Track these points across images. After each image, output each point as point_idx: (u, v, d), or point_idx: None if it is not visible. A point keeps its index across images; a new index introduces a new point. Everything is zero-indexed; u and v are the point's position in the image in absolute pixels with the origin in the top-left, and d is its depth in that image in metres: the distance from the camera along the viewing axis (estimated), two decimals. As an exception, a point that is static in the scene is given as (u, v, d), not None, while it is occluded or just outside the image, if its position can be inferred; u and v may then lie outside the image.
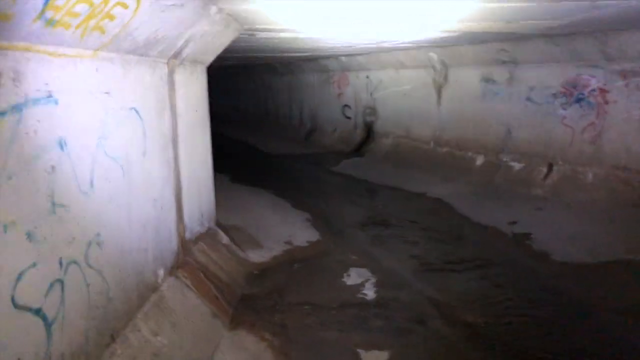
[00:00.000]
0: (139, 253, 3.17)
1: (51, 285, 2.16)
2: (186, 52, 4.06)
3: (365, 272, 5.08)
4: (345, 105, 13.36)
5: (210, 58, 4.96)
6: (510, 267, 5.28)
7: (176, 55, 3.93)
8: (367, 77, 12.29)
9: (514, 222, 6.71)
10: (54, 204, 2.20)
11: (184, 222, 4.15)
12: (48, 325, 2.11)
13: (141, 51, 3.19)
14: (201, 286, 3.87)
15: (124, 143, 2.99)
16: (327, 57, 12.58)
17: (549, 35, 6.93)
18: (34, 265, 2.02)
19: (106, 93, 2.77)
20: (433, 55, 9.73)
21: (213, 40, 4.49)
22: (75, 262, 2.37)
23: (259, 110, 19.09)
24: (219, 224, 5.82)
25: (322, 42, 7.73)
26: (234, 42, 7.05)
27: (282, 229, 6.51)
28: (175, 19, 3.29)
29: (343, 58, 12.30)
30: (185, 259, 4.05)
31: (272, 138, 15.87)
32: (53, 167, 2.20)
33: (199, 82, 4.71)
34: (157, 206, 3.55)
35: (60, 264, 2.24)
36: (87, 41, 2.42)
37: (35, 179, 2.07)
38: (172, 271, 3.75)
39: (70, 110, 2.36)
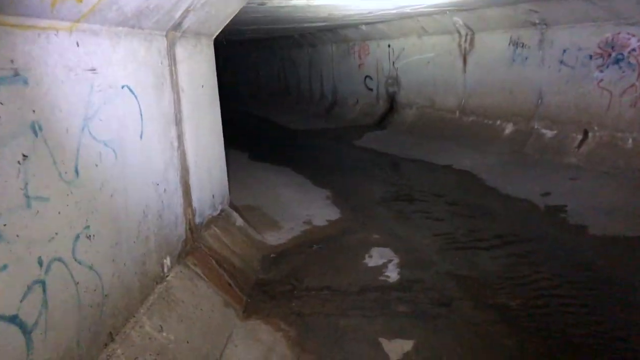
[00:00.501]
0: (139, 243, 2.94)
1: (29, 287, 1.93)
2: (187, 23, 3.76)
3: (387, 252, 4.79)
4: (367, 77, 12.92)
5: (216, 30, 4.65)
6: (544, 242, 4.92)
7: (176, 27, 3.63)
8: (389, 45, 11.80)
9: (547, 194, 6.30)
10: (28, 197, 1.96)
11: (192, 205, 3.92)
12: (27, 332, 1.90)
13: (132, 23, 2.91)
14: (212, 274, 3.65)
15: (115, 124, 2.73)
16: (347, 27, 12.11)
17: (583, -10, 6.39)
18: (4, 267, 1.80)
19: (91, 70, 2.50)
20: (458, 20, 9.20)
21: (217, 10, 4.17)
22: (59, 260, 2.14)
23: (279, 84, 18.72)
24: (233, 206, 5.59)
25: (338, 9, 7.33)
26: (243, 12, 6.72)
27: (301, 208, 6.26)
28: (168, -14, 2.99)
29: (363, 27, 11.82)
30: (195, 245, 3.83)
31: (293, 113, 15.55)
32: (25, 156, 1.95)
33: (204, 56, 4.42)
34: (160, 190, 3.31)
35: (40, 263, 2.01)
36: (60, 11, 2.14)
37: (2, 171, 1.83)
38: (180, 259, 3.53)
39: (44, 90, 2.10)
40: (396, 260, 4.59)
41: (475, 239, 5.10)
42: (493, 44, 8.89)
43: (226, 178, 5.01)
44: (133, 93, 2.98)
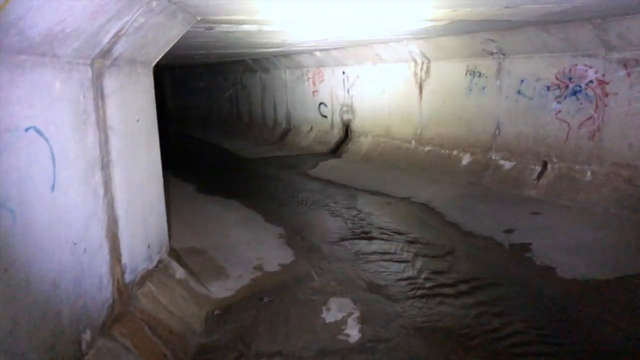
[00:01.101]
0: (46, 322, 2.38)
1: None
2: (118, 49, 3.25)
3: (347, 303, 4.34)
4: (322, 103, 12.61)
5: (155, 56, 4.15)
6: (512, 287, 4.60)
7: (104, 54, 3.12)
8: (344, 72, 11.55)
9: (510, 231, 6.05)
10: None
11: (121, 262, 3.36)
12: None
13: (41, 50, 2.39)
14: (144, 344, 3.09)
15: (14, 177, 2.19)
16: (301, 53, 11.80)
17: (542, 22, 6.27)
18: None
19: (-22, 111, 1.97)
20: (414, 48, 9.02)
21: (155, 34, 3.68)
22: None
23: (231, 110, 18.21)
24: (175, 252, 5.03)
25: (291, 35, 6.96)
26: (191, 37, 6.25)
27: (251, 250, 5.74)
28: (89, 7, 2.49)
29: (318, 53, 11.53)
30: (125, 309, 3.26)
31: (245, 140, 15.05)
32: None
33: (140, 86, 3.90)
34: (78, 251, 2.76)
35: None
36: None
37: None
38: (104, 330, 2.96)
39: None
40: (357, 314, 4.14)
41: (440, 283, 4.73)
42: (449, 72, 8.74)
43: (165, 223, 4.45)
44: (42, 136, 2.44)
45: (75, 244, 2.72)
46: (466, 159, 8.49)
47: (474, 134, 8.37)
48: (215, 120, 19.30)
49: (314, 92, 12.96)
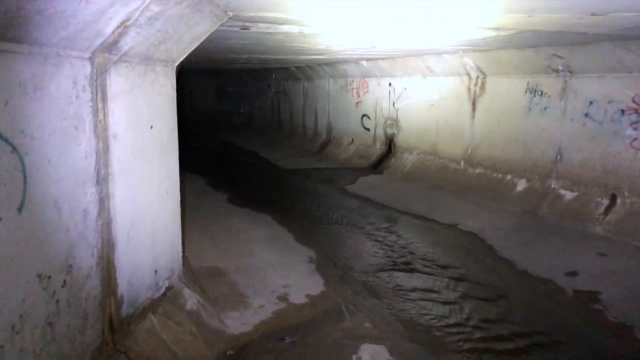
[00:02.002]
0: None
1: None
2: (128, 43, 2.74)
3: (381, 352, 3.69)
4: (365, 115, 11.99)
5: (178, 54, 3.64)
6: (580, 348, 3.85)
7: (109, 47, 2.62)
8: (390, 84, 10.91)
9: (574, 274, 5.26)
10: None
11: (117, 293, 2.83)
12: None
13: (15, 35, 1.88)
14: (132, 399, 2.54)
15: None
16: (346, 61, 11.24)
17: (621, 37, 5.50)
18: None
19: None
20: (468, 61, 8.32)
21: (176, 29, 3.17)
22: None
23: (272, 117, 17.82)
24: (192, 271, 4.51)
25: (334, 40, 6.39)
26: (226, 37, 5.76)
27: (277, 275, 5.16)
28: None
29: (364, 62, 10.94)
30: (116, 351, 2.72)
31: (284, 149, 14.57)
32: None
33: (158, 88, 3.39)
34: (53, 285, 2.23)
35: None
36: None
37: None
38: (82, 381, 2.43)
39: None
40: (393, 369, 3.50)
41: (492, 335, 4.02)
42: (507, 89, 7.98)
43: (180, 245, 3.92)
44: (11, 145, 1.93)
45: (49, 277, 2.20)
46: (521, 185, 7.70)
47: (532, 159, 7.57)
48: (256, 127, 18.96)
49: (357, 103, 12.36)
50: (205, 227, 6.81)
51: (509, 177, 7.94)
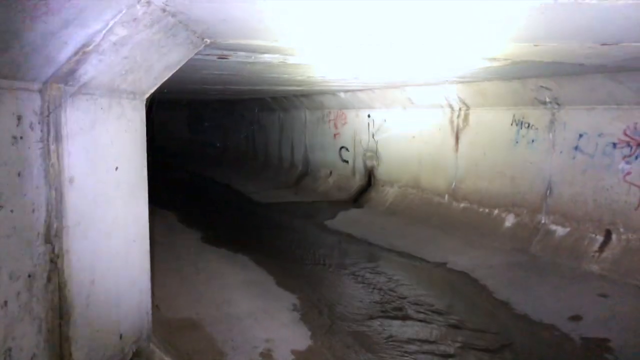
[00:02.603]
0: None
1: None
2: (88, 72, 2.32)
3: (382, 422, 3.24)
4: (343, 147, 11.68)
5: (148, 85, 3.21)
6: (600, 408, 3.47)
7: (65, 77, 2.19)
8: (369, 115, 10.65)
9: (577, 318, 4.91)
10: None
11: (70, 372, 2.32)
12: None
13: None
14: None
15: None
16: (324, 93, 10.97)
17: (614, 70, 5.31)
18: None
19: None
20: (451, 93, 8.10)
21: (146, 56, 2.76)
22: None
23: (247, 148, 17.40)
24: (162, 324, 4.00)
25: (318, 71, 6.06)
26: (200, 67, 5.38)
27: (259, 326, 4.67)
28: (27, 6, 1.56)
29: (342, 94, 10.68)
30: None
31: (259, 182, 14.12)
32: None
33: (125, 123, 2.95)
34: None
35: None
36: None
37: None
38: None
39: None
40: None
41: (502, 396, 3.61)
42: (492, 121, 7.77)
43: (149, 300, 3.42)
44: None
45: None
46: (510, 221, 7.41)
47: (520, 193, 7.31)
48: (229, 158, 18.48)
49: (335, 134, 12.06)
50: (178, 269, 6.28)
51: (496, 211, 7.66)
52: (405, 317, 5.01)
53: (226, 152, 19.23)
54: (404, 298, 5.52)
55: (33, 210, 2.04)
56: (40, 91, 2.08)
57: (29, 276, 2.02)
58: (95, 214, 2.58)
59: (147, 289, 3.36)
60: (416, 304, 5.35)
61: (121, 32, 2.25)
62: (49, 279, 2.16)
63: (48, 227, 2.16)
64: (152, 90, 3.38)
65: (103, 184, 2.67)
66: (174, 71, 3.42)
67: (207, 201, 11.76)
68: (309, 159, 13.29)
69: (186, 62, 3.39)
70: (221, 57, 4.31)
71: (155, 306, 4.92)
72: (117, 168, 2.83)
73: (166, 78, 3.36)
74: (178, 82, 7.19)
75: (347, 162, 11.56)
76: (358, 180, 11.05)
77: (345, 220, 9.21)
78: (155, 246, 7.34)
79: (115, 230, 2.83)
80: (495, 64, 4.83)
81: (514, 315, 5.07)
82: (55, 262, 2.21)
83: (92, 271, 2.55)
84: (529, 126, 7.19)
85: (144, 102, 3.30)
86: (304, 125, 13.43)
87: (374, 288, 5.80)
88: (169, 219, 9.46)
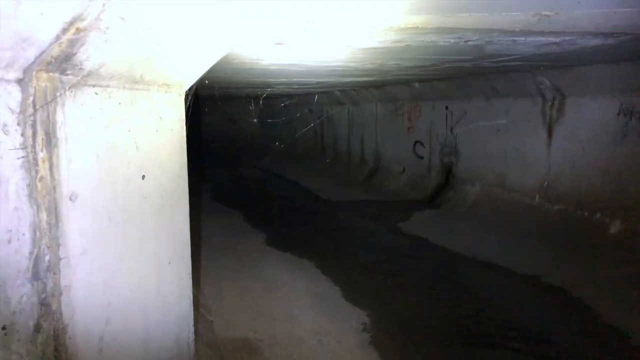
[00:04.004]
0: None
1: None
2: (93, 56, 1.79)
3: None
4: (417, 142, 10.86)
5: (186, 73, 2.67)
6: None
7: (59, 63, 1.67)
8: (447, 107, 9.77)
9: None
10: None
11: None
12: None
13: None
14: None
15: None
16: (396, 83, 10.20)
17: None
18: None
19: None
20: (543, 80, 7.11)
21: (179, 34, 2.20)
22: None
23: (316, 144, 16.91)
24: (215, 344, 3.49)
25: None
26: (259, 63, 4.83)
27: (323, 350, 4.08)
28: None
29: (416, 84, 9.87)
30: None
31: (327, 178, 13.57)
32: None
33: (155, 122, 2.42)
34: None
35: None
36: None
37: None
38: None
39: None
40: None
41: None
42: (593, 112, 6.71)
43: (190, 331, 2.88)
44: None
45: None
46: (615, 227, 6.35)
47: (628, 194, 6.25)
48: (297, 154, 18.08)
49: (409, 128, 11.25)
50: (237, 278, 5.82)
51: (598, 215, 6.61)
52: (496, 345, 4.23)
53: (294, 147, 18.84)
54: (492, 320, 4.72)
55: (9, 241, 1.53)
56: (19, 82, 1.56)
57: (3, 328, 1.51)
58: (110, 235, 2.06)
59: (187, 316, 2.83)
60: (508, 327, 4.54)
61: (133, 4, 1.70)
62: (37, 328, 1.65)
63: (36, 259, 1.65)
64: (193, 81, 2.84)
65: (123, 197, 2.15)
66: (224, 54, 2.86)
67: (275, 199, 11.33)
68: (380, 154, 12.56)
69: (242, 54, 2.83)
70: (278, 44, 3.72)
71: (209, 323, 4.45)
72: (143, 177, 2.30)
73: (213, 63, 2.80)
74: (237, 74, 6.73)
75: (422, 158, 10.73)
76: (434, 178, 10.20)
77: (421, 223, 8.43)
78: (215, 251, 6.97)
79: (141, 253, 2.31)
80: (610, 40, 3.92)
81: (634, 348, 4.15)
82: (48, 304, 1.70)
83: (106, 307, 2.04)
84: (640, 117, 6.11)
85: (183, 96, 2.76)
86: (375, 119, 12.71)
87: (454, 306, 5.04)
88: (234, 219, 9.11)
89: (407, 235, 7.84)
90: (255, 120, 21.54)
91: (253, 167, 16.94)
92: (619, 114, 6.36)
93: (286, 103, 18.50)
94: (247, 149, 20.23)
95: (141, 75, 2.22)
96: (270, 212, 9.80)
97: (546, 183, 7.46)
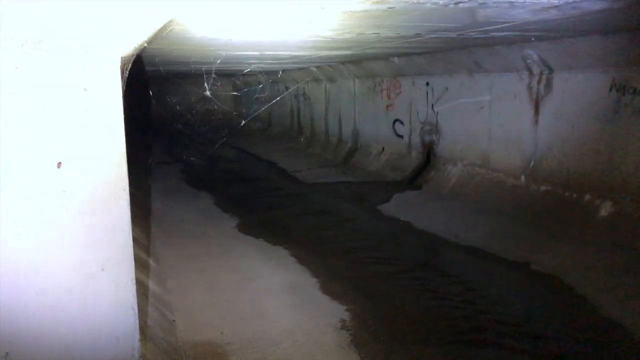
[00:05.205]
0: None
1: None
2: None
3: None
4: (397, 120, 10.41)
5: (121, 37, 2.14)
6: None
7: None
8: (427, 83, 9.32)
9: None
10: None
11: None
12: None
13: None
14: None
15: None
16: (374, 58, 9.70)
17: None
18: None
19: None
20: (531, 53, 6.70)
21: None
22: None
23: (292, 123, 16.37)
24: (176, 350, 3.04)
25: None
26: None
27: (298, 354, 3.66)
28: None
29: (395, 59, 9.39)
30: None
31: (305, 158, 13.08)
32: None
33: (78, 98, 1.90)
34: None
35: None
36: None
37: None
38: None
39: None
40: None
41: None
42: (583, 87, 6.33)
43: (135, 346, 2.40)
44: None
45: None
46: (606, 209, 6.04)
47: (621, 174, 5.92)
48: (274, 133, 17.53)
49: (387, 106, 10.79)
50: (205, 269, 5.36)
51: (587, 197, 6.28)
52: (488, 343, 3.86)
53: (270, 127, 18.29)
54: (482, 313, 4.36)
55: None
56: None
57: None
58: (12, 242, 1.56)
59: (130, 332, 2.35)
60: (499, 321, 4.18)
61: None
62: None
63: None
64: (134, 46, 2.32)
65: (31, 192, 1.65)
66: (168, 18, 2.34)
67: (249, 181, 10.83)
68: (358, 133, 12.10)
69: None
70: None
71: (171, 323, 3.99)
72: (59, 164, 1.79)
73: (156, 29, 2.28)
74: (202, 47, 6.15)
75: (401, 137, 10.30)
76: (415, 158, 9.79)
77: (401, 205, 8.04)
78: (184, 238, 6.47)
79: (59, 260, 1.82)
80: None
81: (635, 344, 3.83)
82: None
83: (8, 337, 1.55)
84: (634, 92, 5.74)
85: (120, 64, 2.23)
86: (353, 97, 12.21)
87: (441, 298, 4.66)
88: (204, 203, 8.60)
89: (387, 219, 7.44)
90: (230, 98, 20.89)
91: (228, 146, 16.31)
92: (610, 90, 5.99)
93: (262, 81, 17.88)
94: (222, 128, 19.56)
95: (54, 34, 1.70)
96: (244, 195, 9.30)
97: (532, 163, 7.11)
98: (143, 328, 3.22)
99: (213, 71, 9.35)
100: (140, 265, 4.64)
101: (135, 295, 2.39)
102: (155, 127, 16.05)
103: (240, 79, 19.60)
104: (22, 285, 1.63)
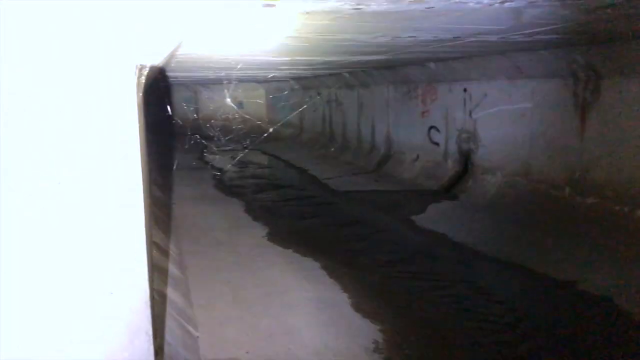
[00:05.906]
0: None
1: None
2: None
3: None
4: (432, 127, 10.09)
5: (143, 48, 1.97)
6: None
7: None
8: (465, 90, 8.98)
9: None
10: None
11: None
12: None
13: None
14: None
15: None
16: (409, 63, 9.42)
17: None
18: None
19: None
20: (577, 58, 6.32)
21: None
22: None
23: (323, 129, 16.18)
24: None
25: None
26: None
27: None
28: None
29: (432, 64, 9.09)
30: None
31: (336, 166, 12.85)
32: None
33: (101, 102, 1.73)
34: None
35: None
36: None
37: None
38: None
39: None
40: None
41: None
42: (637, 93, 5.92)
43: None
44: None
45: None
46: (661, 224, 5.61)
47: (677, 187, 5.49)
48: (305, 140, 17.36)
49: (423, 112, 10.48)
50: (232, 281, 5.18)
51: (639, 212, 5.86)
52: (534, 372, 3.55)
53: (302, 133, 18.14)
54: (527, 339, 4.03)
55: None
56: None
57: None
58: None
59: (144, 355, 2.16)
60: (549, 349, 3.85)
61: None
62: None
63: None
64: (159, 58, 2.14)
65: (27, 213, 1.47)
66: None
67: (280, 188, 10.66)
68: (391, 140, 11.81)
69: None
70: (268, 5, 2.99)
71: (195, 340, 3.81)
72: (59, 183, 1.61)
73: (174, 46, 2.10)
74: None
75: (437, 144, 9.97)
76: (451, 167, 9.45)
77: (437, 216, 7.71)
78: (212, 246, 6.32)
79: (57, 284, 1.64)
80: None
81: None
82: None
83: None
84: (693, 98, 5.32)
85: (136, 73, 2.05)
86: (387, 103, 11.93)
87: (481, 320, 4.35)
88: (234, 210, 8.46)
89: (422, 230, 7.13)
90: (264, 104, 20.89)
91: (260, 152, 16.23)
92: (667, 96, 5.57)
93: (294, 87, 17.79)
94: (255, 134, 19.55)
95: (64, 37, 1.52)
96: (275, 202, 9.13)
97: (578, 173, 6.69)
98: (162, 348, 3.04)
99: (234, 78, 9.22)
100: (165, 275, 4.50)
101: (150, 319, 2.20)
102: (188, 133, 16.12)
103: (272, 85, 19.56)
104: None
